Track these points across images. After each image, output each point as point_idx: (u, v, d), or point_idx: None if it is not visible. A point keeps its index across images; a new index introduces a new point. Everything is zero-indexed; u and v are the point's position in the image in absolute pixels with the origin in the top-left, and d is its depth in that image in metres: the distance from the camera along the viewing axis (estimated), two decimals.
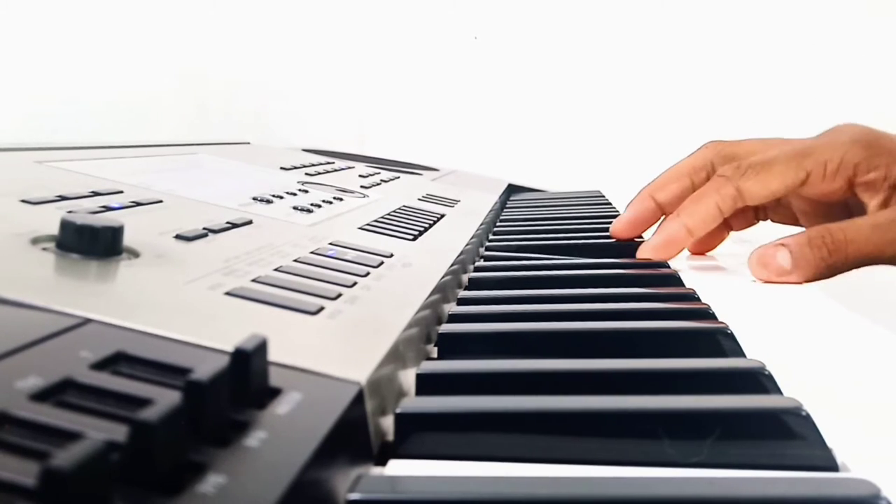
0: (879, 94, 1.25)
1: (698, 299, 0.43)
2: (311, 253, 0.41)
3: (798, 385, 0.30)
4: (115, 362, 0.22)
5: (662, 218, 0.62)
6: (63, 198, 0.41)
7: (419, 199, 0.76)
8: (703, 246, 0.65)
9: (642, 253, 0.59)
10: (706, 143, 0.62)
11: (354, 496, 0.21)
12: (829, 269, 0.53)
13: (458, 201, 0.82)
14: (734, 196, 0.57)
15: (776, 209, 0.64)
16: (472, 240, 0.61)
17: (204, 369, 0.19)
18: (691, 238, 0.59)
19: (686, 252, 0.64)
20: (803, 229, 0.56)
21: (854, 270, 0.54)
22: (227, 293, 0.31)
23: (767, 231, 0.78)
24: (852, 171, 0.55)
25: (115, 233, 0.32)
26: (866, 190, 0.56)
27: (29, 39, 1.24)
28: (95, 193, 0.44)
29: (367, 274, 0.40)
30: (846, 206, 0.59)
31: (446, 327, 0.39)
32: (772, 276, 0.53)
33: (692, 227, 0.58)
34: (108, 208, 0.41)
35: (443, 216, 0.68)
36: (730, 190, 0.57)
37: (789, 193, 0.58)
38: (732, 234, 0.67)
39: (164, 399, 0.17)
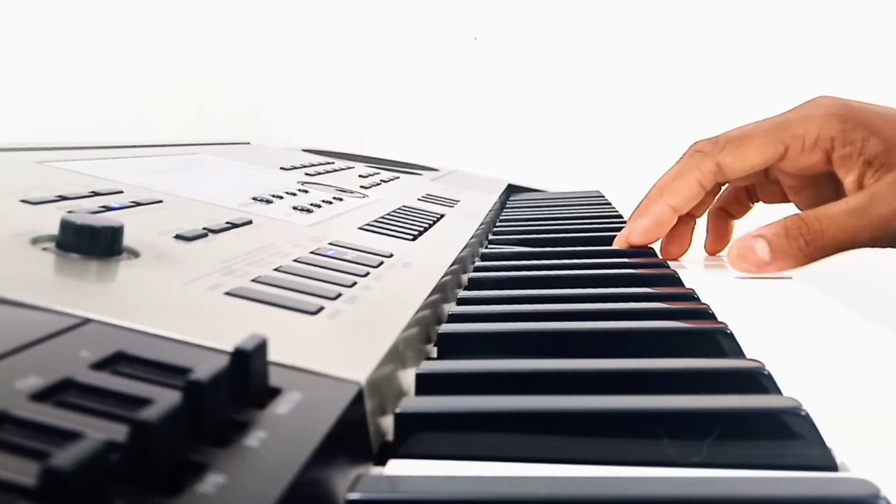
0: (880, 99, 1.25)
1: (698, 299, 0.43)
2: (311, 253, 0.41)
3: (798, 385, 0.30)
4: (115, 362, 0.22)
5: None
6: (63, 198, 0.41)
7: (419, 200, 0.76)
8: (717, 244, 0.65)
9: (633, 238, 0.59)
10: (690, 147, 0.62)
11: (354, 496, 0.21)
12: (807, 259, 0.53)
13: (458, 201, 0.82)
14: (714, 171, 0.58)
15: (765, 188, 0.64)
16: (472, 240, 0.61)
17: (204, 369, 0.19)
18: (676, 216, 0.59)
19: (684, 252, 0.64)
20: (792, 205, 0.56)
21: (852, 267, 0.54)
22: (227, 293, 0.31)
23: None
24: (829, 145, 0.55)
25: (115, 233, 0.32)
26: (842, 165, 0.55)
27: (29, 40, 1.24)
28: (95, 193, 0.44)
29: (367, 274, 0.40)
30: (833, 178, 0.59)
31: (446, 327, 0.39)
32: (752, 268, 0.54)
33: (676, 206, 0.59)
34: (108, 208, 0.41)
35: (442, 216, 0.68)
36: (709, 165, 0.57)
37: (769, 167, 0.58)
38: (733, 234, 0.67)
39: (164, 399, 0.17)
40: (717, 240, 0.65)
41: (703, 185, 0.58)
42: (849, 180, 0.55)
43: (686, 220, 0.61)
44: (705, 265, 0.62)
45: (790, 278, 0.55)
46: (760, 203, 0.66)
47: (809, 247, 0.52)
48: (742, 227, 0.67)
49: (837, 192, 0.59)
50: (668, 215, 0.59)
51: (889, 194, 0.52)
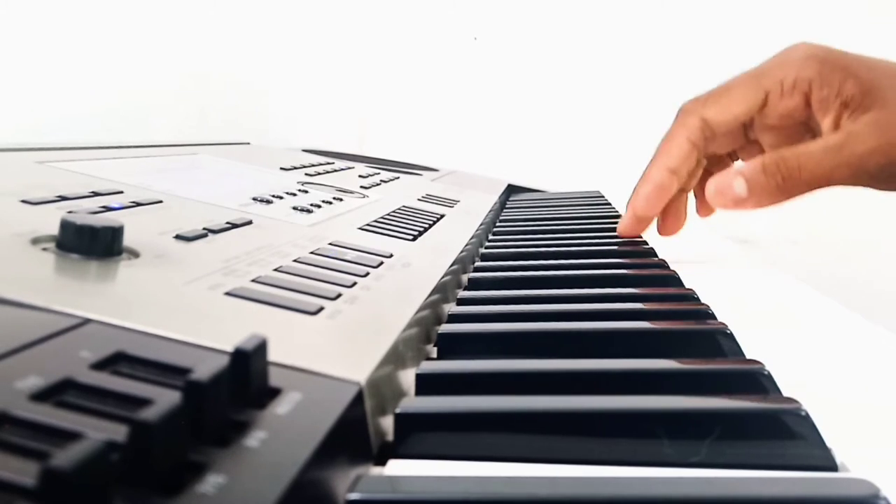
0: None
1: (698, 299, 0.43)
2: (311, 253, 0.41)
3: (798, 385, 0.30)
4: (115, 362, 0.22)
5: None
6: (63, 198, 0.41)
7: (419, 200, 0.76)
8: (706, 208, 0.65)
9: (638, 207, 0.60)
10: (679, 109, 0.62)
11: (354, 496, 0.21)
12: (783, 195, 0.53)
13: (458, 201, 0.82)
14: (700, 126, 0.58)
15: (745, 150, 0.64)
16: (472, 240, 0.61)
17: (204, 369, 0.19)
18: (675, 178, 0.59)
19: (685, 252, 0.64)
20: None
21: (852, 267, 0.54)
22: (227, 293, 0.31)
23: (773, 230, 0.78)
24: (808, 87, 0.56)
25: (115, 233, 0.32)
26: (820, 108, 0.56)
27: (30, 40, 1.24)
28: (95, 193, 0.44)
29: (367, 274, 0.40)
30: (812, 134, 0.59)
31: (446, 327, 0.39)
32: (728, 203, 0.54)
33: (672, 166, 0.59)
34: (108, 208, 0.41)
35: (442, 216, 0.68)
36: (695, 120, 0.58)
37: (752, 121, 0.59)
38: (733, 234, 0.67)
39: (164, 399, 0.17)
40: (706, 203, 0.65)
41: (692, 141, 0.59)
42: (826, 122, 0.56)
43: (678, 195, 0.61)
44: (705, 265, 0.62)
45: (784, 275, 0.55)
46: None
47: (786, 183, 0.53)
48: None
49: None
50: (666, 177, 0.59)
51: (865, 133, 0.53)
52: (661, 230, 0.62)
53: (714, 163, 0.65)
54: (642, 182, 0.60)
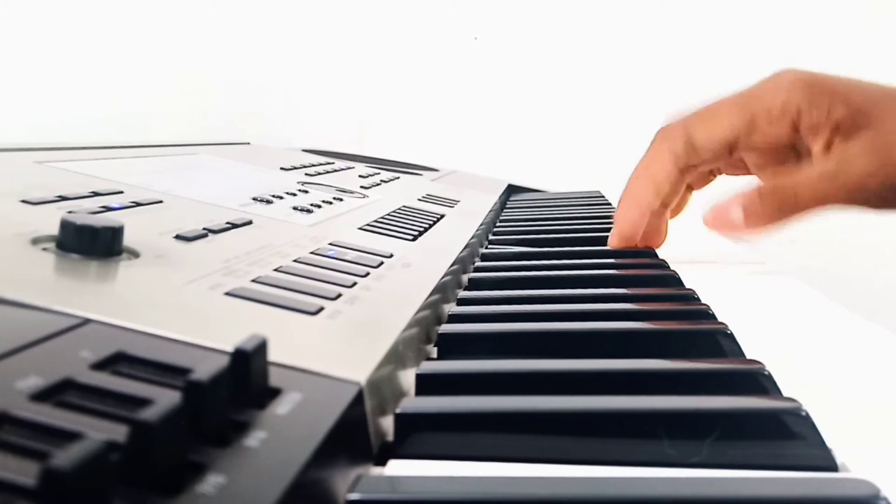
0: None
1: (698, 299, 0.43)
2: (311, 253, 0.41)
3: (798, 385, 0.30)
4: (115, 362, 0.22)
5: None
6: (63, 198, 0.41)
7: (419, 200, 0.76)
8: (673, 212, 0.65)
9: (622, 230, 0.60)
10: (657, 132, 0.62)
11: (354, 496, 0.21)
12: (779, 220, 0.54)
13: (458, 202, 0.82)
14: (685, 148, 0.58)
15: (730, 163, 0.64)
16: (472, 240, 0.61)
17: (204, 369, 0.19)
18: (659, 198, 0.59)
19: (685, 253, 0.64)
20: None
21: (852, 267, 0.54)
22: (227, 293, 0.31)
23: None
24: (795, 113, 0.56)
25: (115, 233, 0.32)
26: (810, 132, 0.56)
27: (31, 42, 1.24)
28: (95, 194, 0.44)
29: (367, 274, 0.40)
30: (797, 155, 0.59)
31: (446, 327, 0.39)
32: (725, 229, 0.54)
33: (657, 187, 0.59)
34: (108, 208, 0.41)
35: (443, 216, 0.68)
36: (679, 143, 0.58)
37: (736, 144, 0.59)
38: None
39: (164, 399, 0.17)
40: (675, 208, 0.65)
41: (676, 163, 0.59)
42: (817, 146, 0.56)
43: (660, 212, 0.61)
44: (705, 265, 0.62)
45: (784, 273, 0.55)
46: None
47: (782, 209, 0.53)
48: (700, 196, 0.66)
49: (802, 165, 0.59)
50: (651, 198, 0.59)
51: (859, 157, 0.53)
52: (640, 244, 0.62)
53: (696, 179, 0.65)
54: (627, 204, 0.60)
